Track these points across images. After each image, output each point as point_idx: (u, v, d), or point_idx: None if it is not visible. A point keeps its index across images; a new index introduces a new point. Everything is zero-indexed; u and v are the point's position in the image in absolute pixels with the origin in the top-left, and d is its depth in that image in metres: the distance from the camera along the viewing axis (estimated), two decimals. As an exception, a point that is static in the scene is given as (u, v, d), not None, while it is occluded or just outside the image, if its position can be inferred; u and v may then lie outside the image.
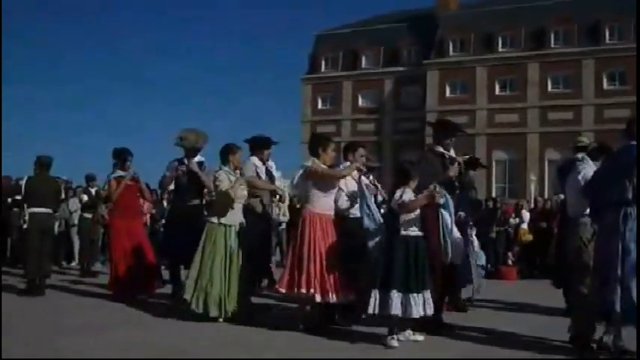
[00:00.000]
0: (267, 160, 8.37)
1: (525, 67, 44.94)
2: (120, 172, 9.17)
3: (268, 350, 5.90)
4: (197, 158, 8.83)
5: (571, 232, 6.49)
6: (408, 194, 6.24)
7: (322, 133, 7.91)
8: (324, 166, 6.74)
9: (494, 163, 44.95)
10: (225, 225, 7.24)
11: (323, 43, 52.51)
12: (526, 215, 16.25)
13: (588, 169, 6.32)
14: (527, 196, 30.67)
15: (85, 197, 13.90)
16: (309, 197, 6.70)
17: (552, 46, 44.68)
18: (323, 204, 6.68)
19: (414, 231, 6.23)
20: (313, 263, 6.43)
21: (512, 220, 16.41)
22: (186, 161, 8.75)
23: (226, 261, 7.16)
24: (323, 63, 52.50)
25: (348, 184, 6.95)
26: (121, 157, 9.23)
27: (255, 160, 8.15)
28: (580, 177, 6.28)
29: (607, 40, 43.33)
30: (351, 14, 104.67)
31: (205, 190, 8.88)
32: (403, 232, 6.19)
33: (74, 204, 14.38)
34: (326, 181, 6.68)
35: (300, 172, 6.78)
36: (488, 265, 15.09)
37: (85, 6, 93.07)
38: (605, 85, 43.22)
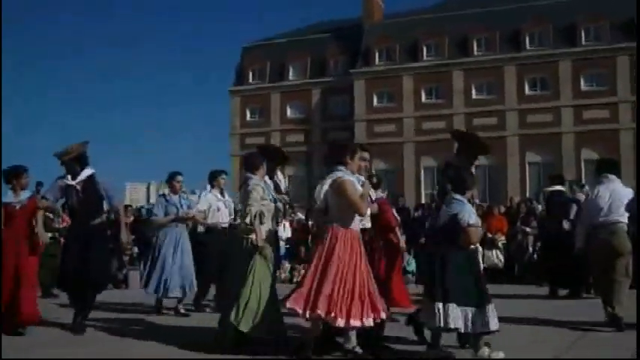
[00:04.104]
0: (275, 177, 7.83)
1: (450, 74, 45.70)
2: (10, 195, 7.95)
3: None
4: (86, 173, 7.94)
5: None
6: (474, 217, 6.01)
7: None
8: (353, 189, 6.04)
9: (422, 170, 45.53)
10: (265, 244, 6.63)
11: (250, 55, 52.34)
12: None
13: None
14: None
15: None
16: (337, 212, 6.08)
17: (475, 53, 45.56)
18: (352, 220, 6.11)
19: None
20: (341, 285, 5.83)
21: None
22: (68, 177, 7.89)
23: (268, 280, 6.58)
24: (251, 75, 52.31)
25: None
26: (11, 177, 7.99)
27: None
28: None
29: (527, 47, 44.44)
30: (277, 26, 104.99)
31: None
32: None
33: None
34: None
35: (328, 183, 6.14)
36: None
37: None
38: (527, 91, 44.27)
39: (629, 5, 35.41)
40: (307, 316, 5.86)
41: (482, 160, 43.63)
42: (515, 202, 18.38)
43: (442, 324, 5.77)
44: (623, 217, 7.88)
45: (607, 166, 8.36)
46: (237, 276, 6.53)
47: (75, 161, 7.90)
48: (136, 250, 16.10)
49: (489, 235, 15.32)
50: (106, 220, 8.34)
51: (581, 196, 11.49)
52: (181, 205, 9.58)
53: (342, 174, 6.10)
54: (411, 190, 43.45)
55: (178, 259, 9.38)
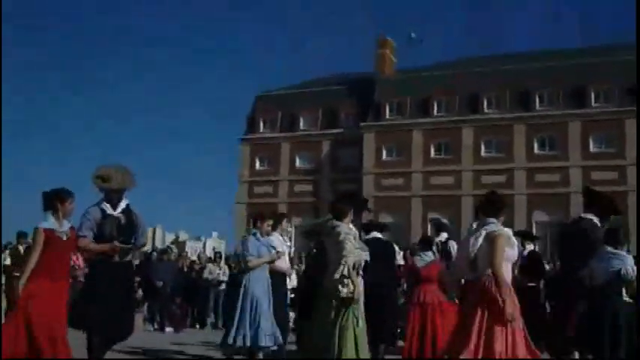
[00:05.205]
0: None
1: (460, 131, 45.97)
2: (52, 222, 6.85)
3: None
4: (124, 202, 7.38)
5: None
6: (635, 267, 6.05)
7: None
8: (504, 247, 5.99)
9: (429, 225, 45.43)
10: None
11: (262, 104, 52.79)
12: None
13: None
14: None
15: (8, 260, 13.45)
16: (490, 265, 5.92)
17: (485, 111, 45.90)
18: (507, 271, 5.97)
19: None
20: (510, 340, 5.61)
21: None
22: (108, 207, 7.26)
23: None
24: (261, 123, 52.69)
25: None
26: (56, 201, 6.92)
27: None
28: None
29: (537, 107, 44.75)
30: (290, 78, 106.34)
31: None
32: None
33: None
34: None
35: (482, 235, 6.04)
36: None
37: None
38: (535, 150, 44.45)
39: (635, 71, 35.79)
40: None
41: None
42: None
43: None
44: None
45: None
46: (327, 332, 6.26)
47: (118, 190, 7.36)
48: (140, 292, 16.07)
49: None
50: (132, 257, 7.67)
51: (529, 248, 11.47)
52: (273, 247, 9.03)
53: (496, 227, 6.11)
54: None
55: (271, 306, 8.70)
